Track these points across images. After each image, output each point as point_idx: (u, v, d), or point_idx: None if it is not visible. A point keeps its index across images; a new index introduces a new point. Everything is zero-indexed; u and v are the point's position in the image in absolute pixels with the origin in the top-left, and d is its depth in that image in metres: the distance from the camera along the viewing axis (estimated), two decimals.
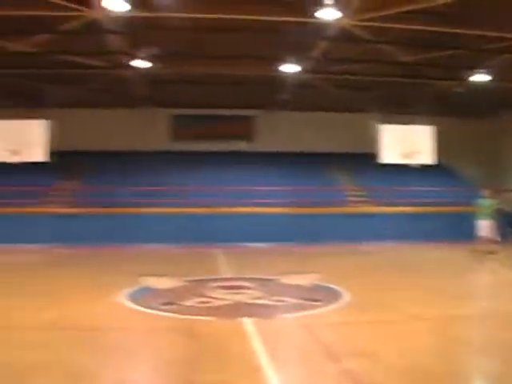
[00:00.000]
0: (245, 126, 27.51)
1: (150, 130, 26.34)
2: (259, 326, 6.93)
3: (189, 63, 19.57)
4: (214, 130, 27.09)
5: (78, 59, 18.83)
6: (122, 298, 8.95)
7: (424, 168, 21.51)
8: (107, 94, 23.80)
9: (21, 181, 21.68)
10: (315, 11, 13.69)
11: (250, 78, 21.51)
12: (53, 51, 17.83)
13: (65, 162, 22.18)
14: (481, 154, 26.73)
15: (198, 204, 21.96)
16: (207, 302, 8.65)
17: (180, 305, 8.44)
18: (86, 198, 22.53)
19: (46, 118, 20.89)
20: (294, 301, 8.86)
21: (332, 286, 10.15)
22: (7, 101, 21.90)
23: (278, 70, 19.22)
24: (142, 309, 8.16)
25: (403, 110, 22.18)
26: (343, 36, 15.98)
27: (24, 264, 15.20)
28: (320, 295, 9.27)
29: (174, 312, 7.88)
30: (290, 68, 18.94)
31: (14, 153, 20.66)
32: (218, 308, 8.31)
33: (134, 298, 8.99)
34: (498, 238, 15.99)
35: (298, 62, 18.53)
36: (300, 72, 19.41)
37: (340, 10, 13.65)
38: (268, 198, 22.45)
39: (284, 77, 20.31)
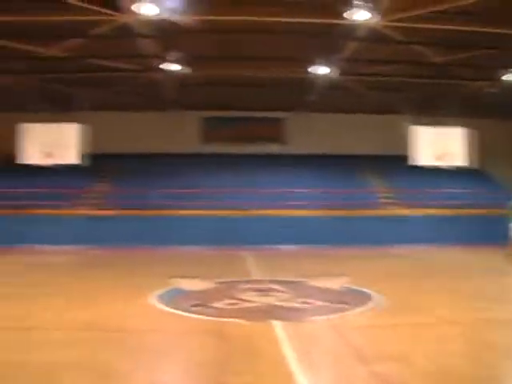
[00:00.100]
0: (275, 128, 27.47)
1: (180, 133, 26.47)
2: (289, 328, 6.90)
3: (219, 65, 19.67)
4: (245, 133, 27.11)
5: (109, 63, 19.06)
6: (153, 300, 8.99)
7: (456, 170, 21.23)
8: (138, 97, 24.05)
9: (54, 183, 22.07)
10: (345, 12, 13.63)
11: (280, 80, 21.50)
12: (85, 55, 18.12)
13: (97, 164, 22.44)
14: None
15: (229, 206, 22.03)
16: (237, 304, 8.65)
17: (210, 307, 8.43)
18: (117, 200, 22.78)
19: (79, 122, 21.18)
20: (324, 303, 8.80)
21: (362, 288, 10.06)
22: (41, 104, 22.23)
23: (308, 72, 19.16)
24: (173, 310, 8.18)
25: (435, 112, 21.90)
26: (373, 37, 15.88)
27: (56, 265, 15.44)
28: (349, 298, 9.20)
29: (204, 314, 7.88)
30: (320, 70, 18.86)
31: (48, 155, 21.01)
32: (248, 310, 8.30)
33: (165, 299, 9.02)
34: None
35: (328, 64, 18.45)
36: (330, 73, 19.31)
37: (370, 10, 13.55)
38: (299, 201, 22.41)
39: (314, 78, 20.24)
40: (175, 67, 18.41)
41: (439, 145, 21.05)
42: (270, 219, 21.57)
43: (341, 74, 19.76)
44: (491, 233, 19.22)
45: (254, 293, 9.70)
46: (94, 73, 20.13)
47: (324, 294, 9.81)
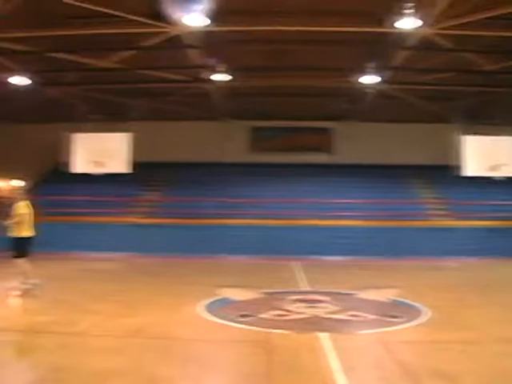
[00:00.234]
0: (323, 137, 27.37)
1: (229, 143, 26.64)
2: (335, 341, 6.83)
3: (267, 76, 19.74)
4: (293, 142, 27.12)
5: (159, 74, 19.38)
6: (200, 309, 9.05)
7: (507, 181, 20.70)
8: (188, 106, 24.32)
9: (104, 191, 22.48)
10: (395, 21, 13.45)
11: (328, 90, 21.43)
12: (135, 67, 18.42)
13: (147, 173, 22.76)
14: None
15: (277, 216, 22.02)
16: (284, 315, 8.61)
17: (257, 317, 8.44)
18: (166, 208, 23.05)
19: (129, 131, 21.59)
20: (371, 316, 8.68)
21: (410, 302, 9.88)
22: (92, 114, 22.74)
23: (357, 81, 19.00)
24: (220, 320, 8.22)
25: (486, 121, 21.41)
26: (424, 45, 15.65)
27: (105, 272, 15.68)
28: (398, 311, 9.03)
29: (250, 324, 7.89)
30: (369, 79, 18.63)
31: (99, 164, 21.48)
32: (295, 321, 8.26)
33: (212, 309, 9.07)
34: None
35: (377, 73, 18.24)
36: (380, 83, 19.06)
37: (420, 18, 13.30)
38: (346, 211, 22.22)
39: (363, 88, 20.04)
40: (224, 77, 18.52)
41: (492, 155, 20.55)
42: (318, 229, 21.43)
43: (390, 83, 19.55)
44: None
45: (302, 304, 9.64)
46: (144, 83, 20.47)
47: (372, 306, 9.69)
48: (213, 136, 26.50)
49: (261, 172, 24.99)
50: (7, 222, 10.53)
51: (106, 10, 13.93)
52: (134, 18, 14.16)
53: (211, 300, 9.94)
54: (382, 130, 26.11)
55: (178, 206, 22.78)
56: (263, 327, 7.74)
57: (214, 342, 7.19)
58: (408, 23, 13.43)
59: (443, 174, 22.63)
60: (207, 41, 15.91)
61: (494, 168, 20.50)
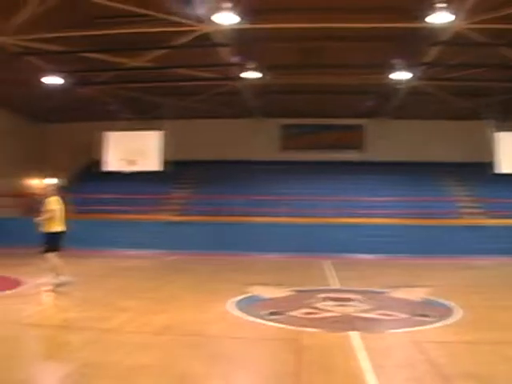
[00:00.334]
0: (355, 135, 27.23)
1: (259, 140, 26.67)
2: (366, 340, 6.78)
3: (298, 73, 19.69)
4: (324, 140, 27.05)
5: (190, 72, 19.48)
6: (230, 306, 9.08)
7: None
8: (218, 105, 24.41)
9: (136, 189, 22.72)
10: (427, 16, 13.26)
11: (360, 87, 21.28)
12: (166, 65, 18.54)
13: (178, 171, 22.89)
14: None
15: (307, 214, 21.99)
16: (314, 313, 8.59)
17: (287, 315, 8.42)
18: (197, 206, 23.18)
19: (161, 129, 21.77)
20: (403, 315, 8.59)
21: (442, 301, 9.76)
22: (125, 113, 22.99)
23: (389, 78, 18.80)
24: (249, 318, 8.23)
25: None
26: (456, 40, 15.39)
27: (136, 269, 15.86)
28: (430, 310, 8.91)
29: (280, 322, 7.88)
30: (401, 75, 18.41)
31: (131, 162, 21.71)
32: (325, 320, 8.23)
33: (242, 306, 9.09)
34: None
35: (409, 69, 18.02)
36: (412, 79, 18.85)
37: (453, 12, 13.08)
38: (378, 209, 22.08)
39: (395, 84, 19.83)
40: (255, 75, 18.53)
41: None
42: (349, 227, 21.32)
43: (422, 80, 19.32)
44: None
45: (332, 302, 9.61)
46: (176, 82, 20.59)
47: (404, 305, 9.59)
48: (243, 134, 26.56)
49: (291, 170, 24.98)
50: (39, 219, 10.69)
51: (137, 10, 14.06)
52: (165, 16, 14.25)
53: (241, 297, 9.97)
54: (413, 127, 25.87)
55: (208, 204, 22.89)
56: (293, 325, 7.71)
57: (243, 340, 7.21)
58: (440, 18, 13.22)
59: (476, 172, 22.33)
60: (237, 39, 15.94)
61: None
